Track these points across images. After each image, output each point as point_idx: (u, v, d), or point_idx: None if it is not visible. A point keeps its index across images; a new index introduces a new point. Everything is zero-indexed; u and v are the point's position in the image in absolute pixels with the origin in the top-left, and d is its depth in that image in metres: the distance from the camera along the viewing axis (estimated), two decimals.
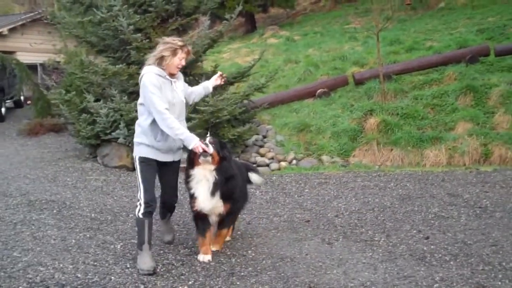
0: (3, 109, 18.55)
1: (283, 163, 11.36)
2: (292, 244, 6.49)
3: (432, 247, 6.21)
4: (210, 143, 5.68)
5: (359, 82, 13.98)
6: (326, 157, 11.51)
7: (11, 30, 23.92)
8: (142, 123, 5.66)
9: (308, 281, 5.30)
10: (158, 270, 5.69)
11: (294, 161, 11.42)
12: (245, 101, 12.24)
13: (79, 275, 5.60)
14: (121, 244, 6.56)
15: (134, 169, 10.85)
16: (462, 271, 5.48)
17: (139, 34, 10.93)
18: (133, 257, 6.12)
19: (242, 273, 5.56)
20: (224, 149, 5.82)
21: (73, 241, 6.69)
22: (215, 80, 6.39)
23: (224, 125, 11.27)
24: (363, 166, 10.99)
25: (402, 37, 18.17)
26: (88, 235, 6.91)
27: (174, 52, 5.59)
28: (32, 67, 20.49)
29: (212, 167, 5.70)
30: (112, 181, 10.01)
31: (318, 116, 12.91)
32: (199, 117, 10.71)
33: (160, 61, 5.61)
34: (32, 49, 22.95)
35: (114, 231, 7.09)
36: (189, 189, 5.87)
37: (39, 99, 16.36)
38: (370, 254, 6.10)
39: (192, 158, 5.75)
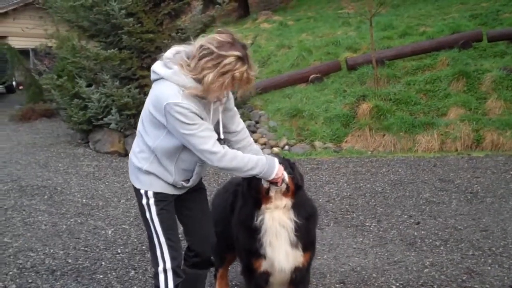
0: None
1: (275, 149, 11.34)
2: None
3: (422, 232, 6.23)
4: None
5: (352, 68, 13.93)
6: (319, 143, 11.50)
7: (3, 15, 23.79)
8: (158, 149, 3.49)
9: None
10: None
11: (287, 147, 11.41)
12: None
13: (69, 261, 5.63)
14: (112, 229, 6.56)
15: (126, 155, 10.96)
16: (452, 256, 5.50)
17: (131, 19, 10.83)
18: (123, 242, 6.13)
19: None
20: (295, 171, 3.86)
21: (64, 226, 6.69)
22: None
23: None
24: (355, 151, 10.99)
25: (396, 22, 18.09)
26: (79, 221, 6.91)
27: (223, 72, 3.25)
28: (24, 52, 20.34)
29: (289, 202, 3.77)
30: (103, 167, 9.97)
31: (311, 102, 12.87)
32: None
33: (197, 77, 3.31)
34: (24, 34, 22.72)
35: (105, 216, 7.09)
36: (252, 245, 3.85)
37: (31, 85, 16.27)
38: (361, 239, 6.11)
39: (258, 193, 3.72)
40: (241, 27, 25.06)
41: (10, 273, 5.32)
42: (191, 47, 3.40)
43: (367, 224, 6.62)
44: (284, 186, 3.65)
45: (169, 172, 3.52)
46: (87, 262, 5.58)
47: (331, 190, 8.17)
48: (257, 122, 12.28)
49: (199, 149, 3.34)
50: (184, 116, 3.27)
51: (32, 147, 11.80)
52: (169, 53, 3.49)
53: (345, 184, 8.44)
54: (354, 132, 11.66)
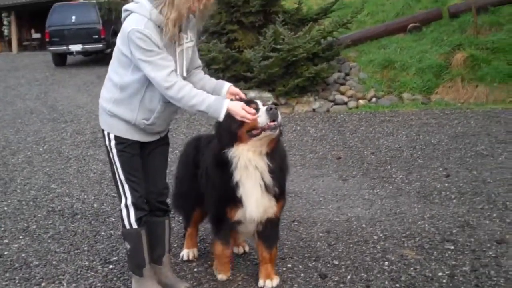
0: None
1: (361, 101, 11.13)
2: (307, 180, 6.50)
3: (446, 185, 5.97)
4: (266, 106, 3.55)
5: (453, 15, 13.18)
6: (407, 94, 11.13)
7: None
8: (124, 85, 3.61)
9: (296, 215, 5.35)
10: None
11: (374, 99, 11.15)
12: (330, 38, 12.03)
13: (95, 205, 6.06)
14: None
15: None
16: (458, 209, 5.26)
17: None
18: None
19: None
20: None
21: (110, 175, 7.10)
22: (230, 93, 3.76)
23: (301, 63, 11.16)
24: (444, 103, 10.53)
25: None
26: None
27: None
28: None
29: (265, 148, 3.61)
30: (181, 120, 10.27)
31: (405, 52, 12.38)
32: (276, 56, 10.69)
33: None
34: None
35: None
36: (225, 185, 3.71)
37: None
38: (378, 191, 5.98)
39: (235, 129, 3.54)
40: None
41: (39, 215, 5.81)
42: None
43: (394, 176, 6.44)
44: (276, 132, 3.49)
45: (133, 109, 3.60)
46: (109, 207, 5.96)
47: (385, 142, 7.97)
48: (346, 74, 12.03)
49: (152, 76, 3.43)
50: (143, 42, 3.37)
51: None
52: None
53: (404, 137, 8.18)
54: (446, 83, 11.17)
